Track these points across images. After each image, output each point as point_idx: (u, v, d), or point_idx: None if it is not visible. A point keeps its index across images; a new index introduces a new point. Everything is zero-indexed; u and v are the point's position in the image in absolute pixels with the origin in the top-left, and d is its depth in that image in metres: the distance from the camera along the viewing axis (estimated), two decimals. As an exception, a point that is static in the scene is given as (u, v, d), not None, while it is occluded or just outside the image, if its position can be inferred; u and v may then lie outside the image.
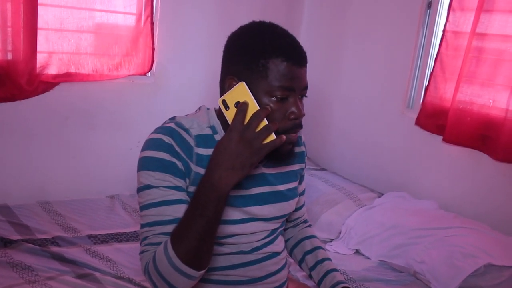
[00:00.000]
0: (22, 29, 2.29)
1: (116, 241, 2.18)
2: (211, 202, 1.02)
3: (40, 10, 2.33)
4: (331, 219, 2.44)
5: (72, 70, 2.52)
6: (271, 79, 1.11)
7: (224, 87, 1.16)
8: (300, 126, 1.17)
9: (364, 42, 2.92)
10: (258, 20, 1.20)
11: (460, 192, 2.44)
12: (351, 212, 2.45)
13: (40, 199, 2.49)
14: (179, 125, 1.17)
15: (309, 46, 1.18)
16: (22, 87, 2.36)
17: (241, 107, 1.03)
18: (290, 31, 1.19)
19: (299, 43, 1.17)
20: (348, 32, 3.02)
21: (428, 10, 2.59)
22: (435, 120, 2.46)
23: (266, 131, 1.01)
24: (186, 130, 1.17)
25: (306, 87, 1.17)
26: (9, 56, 2.31)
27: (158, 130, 1.16)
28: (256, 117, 1.01)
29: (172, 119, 1.21)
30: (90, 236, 2.18)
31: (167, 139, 1.13)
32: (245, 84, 1.06)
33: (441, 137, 2.40)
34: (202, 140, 1.17)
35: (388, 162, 2.79)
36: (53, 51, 2.45)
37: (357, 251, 2.31)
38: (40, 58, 2.40)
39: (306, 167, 1.46)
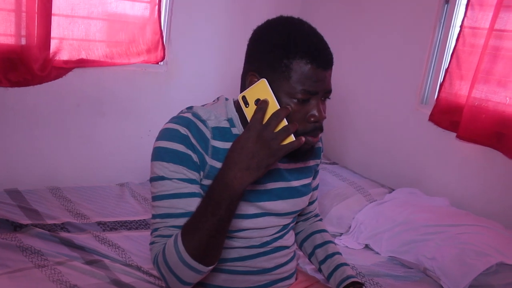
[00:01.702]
0: (36, 15, 2.28)
1: (125, 229, 2.19)
2: (224, 201, 1.00)
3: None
4: (341, 213, 2.42)
5: (83, 55, 2.52)
6: (294, 81, 1.07)
7: (245, 83, 1.13)
8: (320, 129, 1.14)
9: (379, 36, 2.88)
10: (285, 15, 1.15)
11: (473, 190, 2.41)
12: (362, 207, 2.43)
13: (50, 184, 2.50)
14: (196, 115, 1.15)
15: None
16: (35, 72, 2.36)
17: (261, 105, 1.00)
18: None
19: (326, 44, 1.12)
20: (363, 26, 2.98)
21: (446, 5, 2.55)
22: (449, 116, 2.42)
23: (285, 132, 0.97)
24: (203, 122, 1.15)
25: (330, 91, 1.13)
26: (23, 41, 2.31)
27: (174, 120, 1.14)
28: (276, 116, 0.97)
29: (190, 108, 1.19)
30: (99, 223, 2.19)
31: (183, 130, 1.11)
32: (267, 82, 1.02)
33: (455, 134, 2.37)
34: (219, 132, 1.15)
35: (400, 157, 2.76)
36: (63, 37, 2.44)
37: (367, 246, 2.30)
38: (52, 43, 2.40)
39: (318, 161, 1.45)
